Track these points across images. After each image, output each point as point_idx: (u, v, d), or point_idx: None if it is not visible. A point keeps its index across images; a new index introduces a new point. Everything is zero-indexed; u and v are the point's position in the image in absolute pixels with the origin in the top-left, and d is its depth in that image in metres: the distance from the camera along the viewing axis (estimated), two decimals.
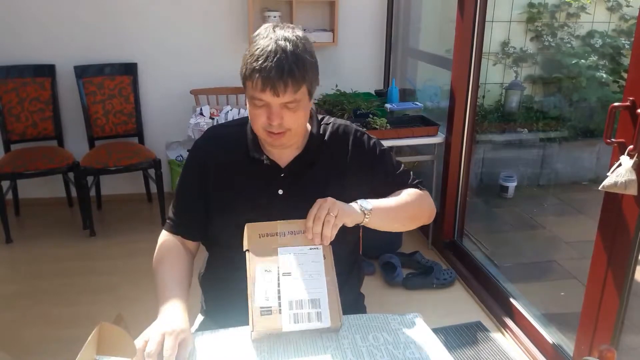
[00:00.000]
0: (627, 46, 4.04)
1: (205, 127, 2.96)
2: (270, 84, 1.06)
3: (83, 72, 3.26)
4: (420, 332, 1.12)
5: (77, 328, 2.06)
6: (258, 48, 1.08)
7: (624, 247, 1.63)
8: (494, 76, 4.15)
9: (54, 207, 3.55)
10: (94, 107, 3.30)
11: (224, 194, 1.23)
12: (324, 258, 1.10)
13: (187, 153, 3.57)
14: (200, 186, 1.26)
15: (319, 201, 1.11)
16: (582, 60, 3.98)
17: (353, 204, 1.16)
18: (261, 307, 1.02)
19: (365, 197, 1.21)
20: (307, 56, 1.11)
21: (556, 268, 3.03)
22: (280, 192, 1.23)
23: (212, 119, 3.03)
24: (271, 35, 1.09)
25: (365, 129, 1.36)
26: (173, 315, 1.06)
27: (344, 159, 1.28)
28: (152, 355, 0.95)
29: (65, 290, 2.63)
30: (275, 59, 1.06)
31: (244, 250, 1.09)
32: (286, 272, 1.07)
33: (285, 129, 1.13)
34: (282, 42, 1.08)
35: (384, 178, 1.31)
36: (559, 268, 3.02)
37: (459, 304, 2.58)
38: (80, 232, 3.23)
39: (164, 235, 1.30)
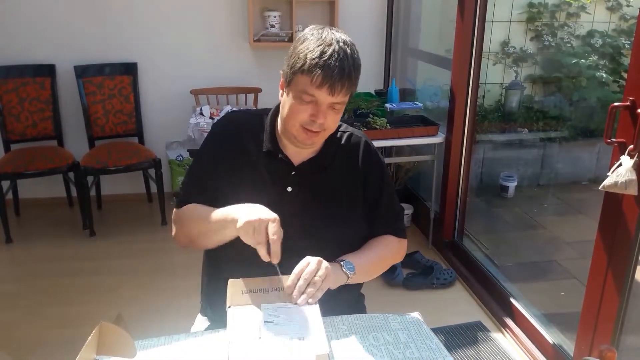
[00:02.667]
0: (627, 46, 4.04)
1: (206, 128, 2.96)
2: (329, 82, 1.08)
3: (83, 72, 3.25)
4: (420, 332, 1.12)
5: (77, 328, 2.06)
6: (319, 45, 1.08)
7: (624, 247, 1.63)
8: (494, 76, 4.15)
9: (54, 207, 3.55)
10: (94, 107, 3.29)
11: (232, 183, 1.23)
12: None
13: (188, 152, 3.57)
14: (213, 169, 1.25)
15: (309, 259, 1.09)
16: (582, 60, 3.98)
17: (337, 265, 1.16)
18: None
19: (358, 214, 1.24)
20: (359, 62, 1.14)
21: (556, 268, 3.03)
22: (289, 189, 1.23)
23: (212, 119, 3.04)
24: (330, 36, 1.10)
25: (372, 141, 1.36)
26: (255, 206, 1.07)
27: (355, 168, 1.29)
28: (262, 243, 1.02)
29: (65, 290, 2.63)
30: (338, 59, 1.08)
31: (227, 307, 1.03)
32: (269, 320, 1.00)
33: (322, 128, 1.15)
34: (342, 44, 1.10)
35: (375, 208, 1.30)
36: (559, 268, 3.02)
37: (459, 304, 2.58)
38: (80, 232, 3.23)
39: (176, 211, 1.29)
